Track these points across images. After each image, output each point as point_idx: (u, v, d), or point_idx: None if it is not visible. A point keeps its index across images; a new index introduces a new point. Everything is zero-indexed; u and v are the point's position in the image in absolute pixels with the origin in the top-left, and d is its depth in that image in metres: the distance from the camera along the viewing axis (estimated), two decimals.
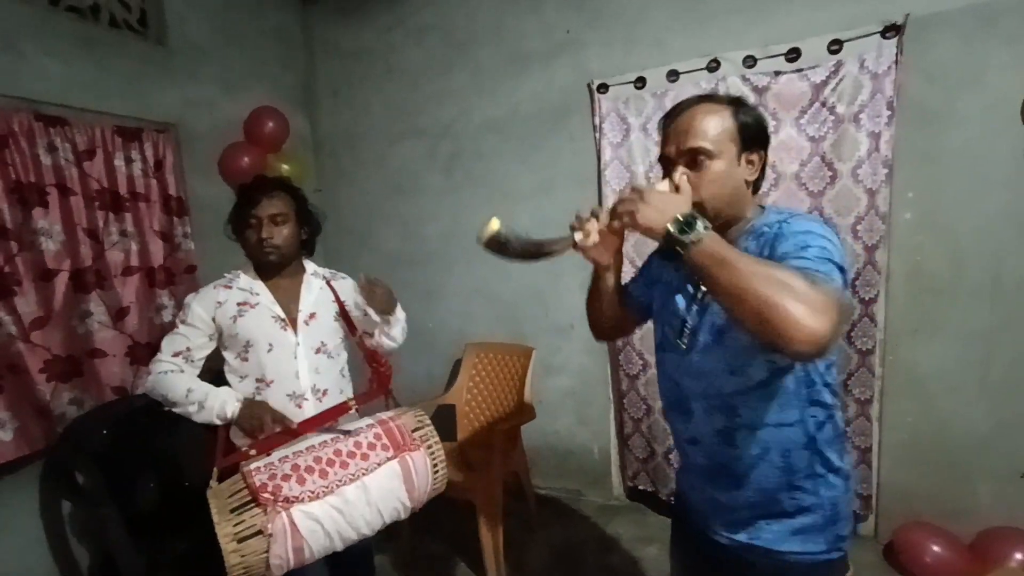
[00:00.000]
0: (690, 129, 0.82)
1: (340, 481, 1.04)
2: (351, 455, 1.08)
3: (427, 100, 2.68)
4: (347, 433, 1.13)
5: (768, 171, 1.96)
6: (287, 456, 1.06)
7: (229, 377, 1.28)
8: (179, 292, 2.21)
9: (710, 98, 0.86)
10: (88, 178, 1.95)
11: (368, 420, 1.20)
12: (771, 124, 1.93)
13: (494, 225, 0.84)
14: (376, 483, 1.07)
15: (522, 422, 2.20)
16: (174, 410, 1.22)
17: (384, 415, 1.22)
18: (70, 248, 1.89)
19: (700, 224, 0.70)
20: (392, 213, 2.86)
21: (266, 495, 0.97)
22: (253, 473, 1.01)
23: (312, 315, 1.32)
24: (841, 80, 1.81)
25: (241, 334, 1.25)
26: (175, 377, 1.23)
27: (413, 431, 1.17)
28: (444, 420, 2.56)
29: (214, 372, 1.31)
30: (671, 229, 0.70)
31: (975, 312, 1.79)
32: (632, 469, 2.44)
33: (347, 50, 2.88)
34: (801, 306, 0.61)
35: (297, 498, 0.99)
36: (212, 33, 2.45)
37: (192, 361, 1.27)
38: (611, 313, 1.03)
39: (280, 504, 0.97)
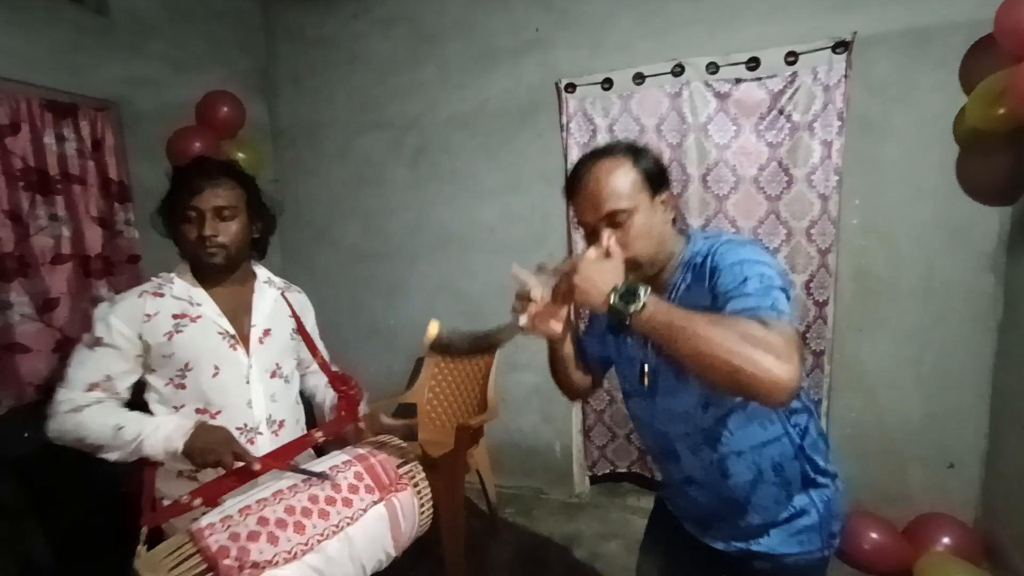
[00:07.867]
0: (601, 193, 0.80)
1: (321, 535, 0.85)
2: (330, 501, 0.89)
3: (393, 92, 2.61)
4: (320, 474, 0.93)
5: (728, 174, 2.05)
6: (249, 507, 0.84)
7: (155, 409, 1.05)
8: (119, 283, 2.04)
9: (607, 152, 0.84)
10: (11, 155, 1.77)
11: (343, 456, 1.01)
12: (732, 129, 2.01)
13: (433, 330, 0.85)
14: (361, 533, 0.91)
15: (485, 421, 2.18)
16: (100, 455, 0.97)
17: (361, 449, 1.04)
18: None
19: (641, 291, 0.68)
20: (354, 206, 2.77)
21: (229, 562, 0.76)
22: (207, 532, 0.78)
23: (267, 331, 1.13)
24: (797, 90, 1.91)
25: (178, 354, 1.02)
26: (94, 412, 0.97)
27: (398, 467, 1.01)
28: (405, 419, 2.49)
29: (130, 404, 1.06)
30: (613, 301, 0.69)
31: (910, 311, 1.92)
32: (592, 459, 2.49)
33: (309, 36, 2.77)
34: (768, 357, 0.60)
35: (270, 562, 0.79)
36: (160, 6, 2.29)
37: (116, 394, 1.02)
38: (577, 376, 1.01)
39: (248, 571, 0.77)
